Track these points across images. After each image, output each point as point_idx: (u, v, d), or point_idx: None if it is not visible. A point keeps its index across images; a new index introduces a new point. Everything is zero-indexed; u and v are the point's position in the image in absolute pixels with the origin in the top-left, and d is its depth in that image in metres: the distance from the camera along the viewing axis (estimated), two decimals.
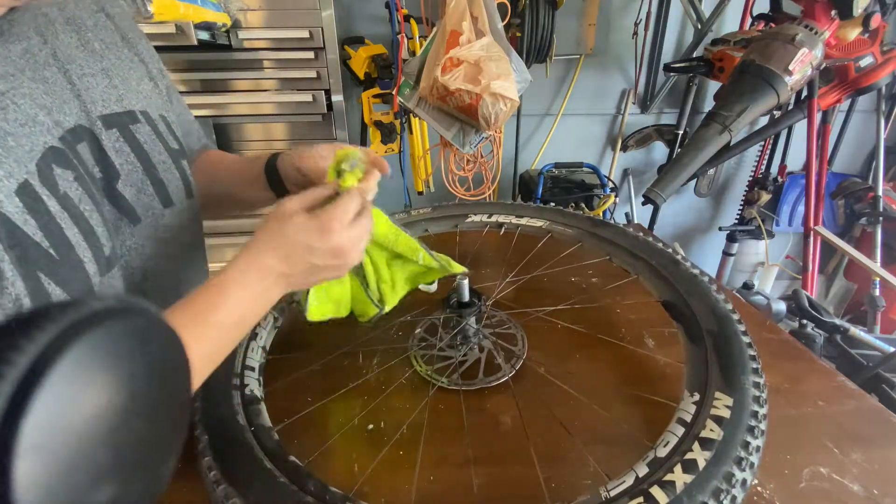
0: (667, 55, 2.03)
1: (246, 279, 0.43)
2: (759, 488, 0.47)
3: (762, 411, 0.45)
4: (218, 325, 0.42)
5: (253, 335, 0.62)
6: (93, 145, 0.45)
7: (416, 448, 0.53)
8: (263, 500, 0.42)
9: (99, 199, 0.45)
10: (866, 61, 1.41)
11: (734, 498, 0.39)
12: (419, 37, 1.56)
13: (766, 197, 2.04)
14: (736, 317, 0.56)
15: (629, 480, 0.40)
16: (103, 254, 0.43)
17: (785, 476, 0.48)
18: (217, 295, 0.42)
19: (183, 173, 0.56)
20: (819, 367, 0.64)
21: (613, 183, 2.05)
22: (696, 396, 0.47)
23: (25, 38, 0.41)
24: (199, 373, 0.41)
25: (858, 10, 1.20)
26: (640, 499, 0.38)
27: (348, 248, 0.45)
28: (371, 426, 0.57)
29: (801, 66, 1.17)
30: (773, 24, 1.51)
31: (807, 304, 1.14)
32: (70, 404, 0.15)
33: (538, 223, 0.85)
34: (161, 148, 0.52)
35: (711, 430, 0.43)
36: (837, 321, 1.12)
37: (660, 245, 0.72)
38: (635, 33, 1.95)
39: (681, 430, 0.44)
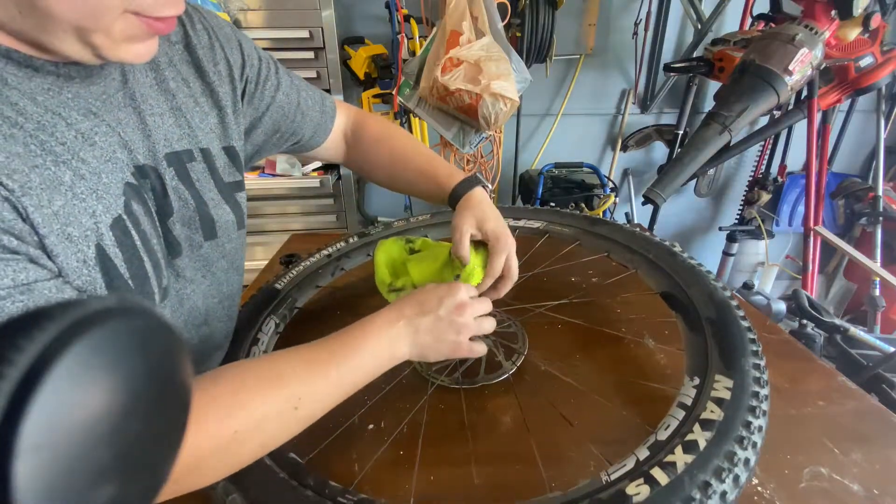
0: (667, 55, 2.03)
1: (378, 327, 0.48)
2: (759, 488, 0.47)
3: (763, 392, 0.45)
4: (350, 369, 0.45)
5: (255, 340, 0.63)
6: (156, 182, 0.47)
7: (415, 446, 0.53)
8: (263, 495, 0.42)
9: (160, 233, 0.48)
10: (866, 61, 1.41)
11: (737, 477, 0.38)
12: (419, 37, 1.56)
13: (766, 197, 2.04)
14: (734, 303, 0.57)
15: (630, 464, 0.40)
16: (162, 284, 0.47)
17: (785, 476, 0.48)
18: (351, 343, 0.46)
19: (235, 206, 0.57)
20: (819, 367, 0.64)
21: (613, 183, 2.05)
22: (697, 380, 0.47)
23: (110, 78, 0.43)
24: (312, 412, 0.43)
25: (858, 10, 1.20)
26: (641, 480, 0.38)
27: (468, 310, 0.50)
28: (371, 426, 0.57)
29: (801, 66, 1.17)
30: (773, 24, 1.50)
31: (807, 304, 1.14)
32: (70, 404, 0.15)
33: (535, 224, 0.86)
34: (212, 185, 0.53)
35: (712, 411, 0.43)
36: (837, 321, 1.12)
37: (656, 239, 0.73)
38: (635, 33, 1.95)
39: (681, 414, 0.44)
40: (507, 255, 0.59)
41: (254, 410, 0.38)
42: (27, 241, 0.35)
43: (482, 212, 0.60)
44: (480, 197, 0.63)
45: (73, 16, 0.34)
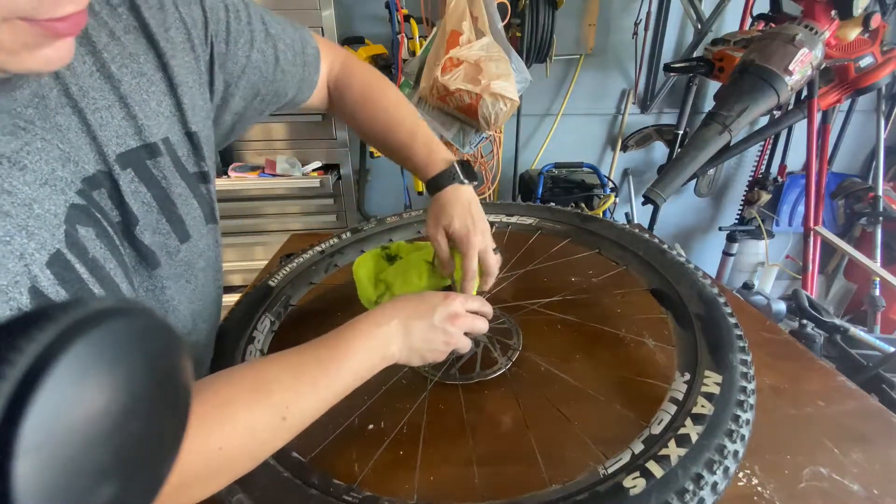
0: (667, 55, 2.03)
1: (368, 327, 0.47)
2: (759, 488, 0.47)
3: (750, 387, 0.47)
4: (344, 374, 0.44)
5: (251, 339, 0.63)
6: (111, 190, 0.41)
7: (415, 445, 0.53)
8: (268, 495, 0.42)
9: (121, 251, 0.42)
10: (866, 61, 1.41)
11: (727, 469, 0.40)
12: (419, 37, 1.56)
13: (766, 197, 2.04)
14: (722, 300, 0.58)
15: (626, 458, 0.42)
16: None
17: (785, 476, 0.48)
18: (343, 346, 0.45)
19: (202, 200, 0.50)
20: (819, 367, 0.64)
21: (613, 183, 2.05)
22: (687, 376, 0.49)
23: (35, 77, 0.36)
24: (302, 421, 0.41)
25: (858, 10, 1.20)
26: (637, 473, 0.39)
27: (460, 319, 0.51)
28: (371, 426, 0.57)
29: (801, 66, 1.17)
30: (773, 24, 1.50)
31: (807, 304, 1.14)
32: (70, 404, 0.15)
33: (528, 221, 0.86)
34: (179, 179, 0.47)
35: (703, 406, 0.44)
36: (837, 321, 1.12)
37: (646, 236, 0.74)
38: (635, 33, 1.95)
39: (673, 409, 0.46)
40: (481, 251, 0.58)
41: (240, 424, 0.37)
42: None
43: (448, 215, 0.59)
44: (447, 197, 0.60)
45: None
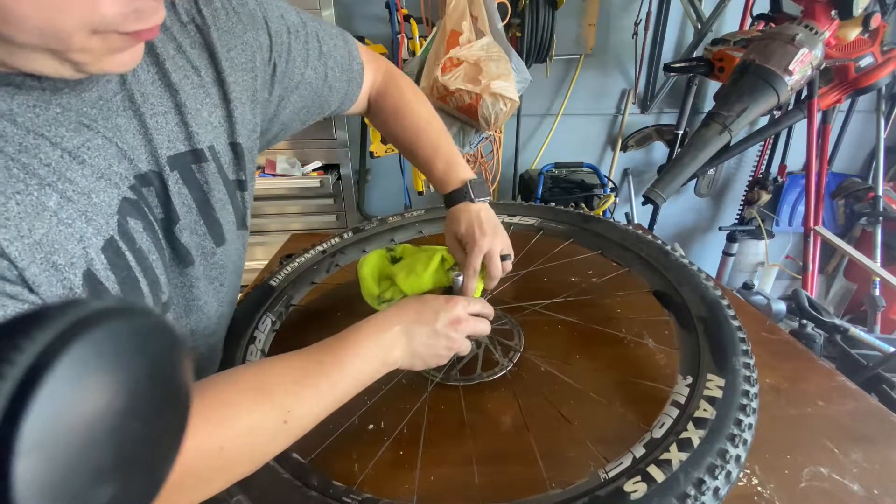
0: (667, 55, 2.03)
1: (371, 332, 0.47)
2: (759, 488, 0.47)
3: (753, 390, 0.46)
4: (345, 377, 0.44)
5: (251, 339, 0.63)
6: (159, 189, 0.44)
7: (415, 446, 0.53)
8: (268, 496, 0.42)
9: (162, 246, 0.45)
10: (866, 61, 1.41)
11: (729, 473, 0.40)
12: (419, 37, 1.56)
13: (766, 197, 2.04)
14: (725, 302, 0.58)
15: (627, 461, 0.41)
16: (161, 300, 0.44)
17: (785, 476, 0.48)
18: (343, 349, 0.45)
19: (237, 206, 0.53)
20: (819, 367, 0.64)
21: (613, 183, 2.05)
22: (689, 379, 0.48)
23: (105, 80, 0.40)
24: (304, 424, 0.42)
25: (858, 10, 1.20)
26: (638, 478, 0.39)
27: (463, 324, 0.51)
28: (371, 426, 0.57)
29: (801, 66, 1.17)
30: (773, 24, 1.50)
31: (807, 304, 1.14)
32: (70, 404, 0.15)
33: (530, 221, 0.86)
34: (220, 185, 0.49)
35: (705, 409, 0.44)
36: (837, 321, 1.12)
37: (649, 237, 0.73)
38: (635, 33, 1.95)
39: (675, 412, 0.45)
40: (487, 253, 0.60)
41: (241, 426, 0.37)
42: (5, 277, 0.32)
43: (457, 222, 0.64)
44: (458, 211, 0.64)
45: (37, 41, 0.31)
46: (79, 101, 0.38)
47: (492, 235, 0.61)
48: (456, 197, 0.65)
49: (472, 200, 0.64)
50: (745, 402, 0.45)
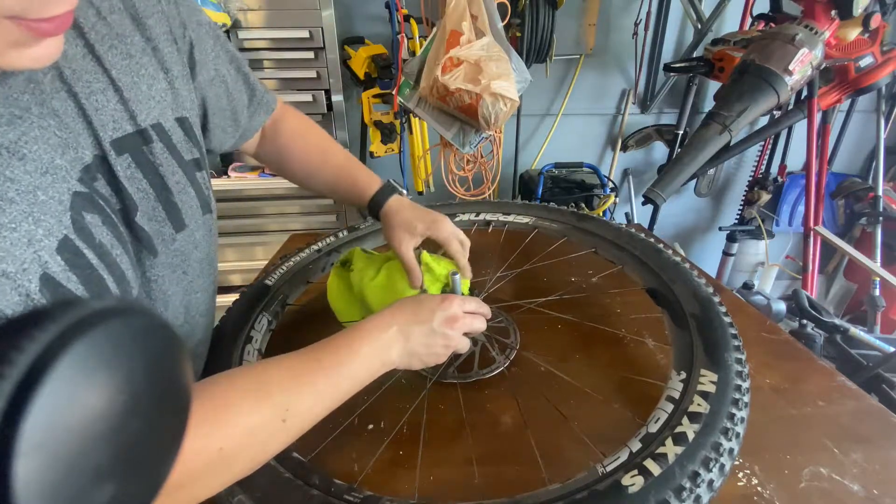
0: (667, 55, 2.03)
1: (368, 333, 0.47)
2: (759, 488, 0.47)
3: (745, 385, 0.47)
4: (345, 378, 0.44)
5: (248, 339, 0.63)
6: (108, 177, 0.41)
7: (415, 445, 0.53)
8: (269, 495, 0.42)
9: (125, 238, 0.42)
10: (866, 61, 1.41)
11: (723, 466, 0.41)
12: (419, 37, 1.56)
13: (766, 197, 2.04)
14: (717, 299, 0.58)
15: (623, 456, 0.42)
16: (131, 295, 0.43)
17: (785, 476, 0.48)
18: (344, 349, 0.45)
19: (198, 189, 0.51)
20: (819, 367, 0.64)
21: (613, 183, 2.05)
22: (683, 375, 0.49)
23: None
24: (302, 422, 0.41)
25: (858, 10, 1.20)
26: (635, 471, 0.40)
27: (459, 322, 0.51)
28: (371, 425, 0.57)
29: (801, 66, 1.17)
30: (773, 24, 1.50)
31: (807, 304, 1.14)
32: (70, 404, 0.15)
33: (524, 220, 0.86)
34: (175, 166, 0.47)
35: (699, 404, 0.45)
36: (837, 321, 1.12)
37: (642, 235, 0.74)
38: (635, 33, 1.95)
39: (670, 407, 0.46)
40: (450, 231, 0.62)
41: (239, 426, 0.37)
42: None
43: (405, 220, 0.63)
44: (395, 207, 0.64)
45: None
46: (5, 89, 0.34)
47: (443, 222, 0.62)
48: (386, 191, 0.65)
49: (400, 193, 0.65)
50: (737, 396, 0.46)
